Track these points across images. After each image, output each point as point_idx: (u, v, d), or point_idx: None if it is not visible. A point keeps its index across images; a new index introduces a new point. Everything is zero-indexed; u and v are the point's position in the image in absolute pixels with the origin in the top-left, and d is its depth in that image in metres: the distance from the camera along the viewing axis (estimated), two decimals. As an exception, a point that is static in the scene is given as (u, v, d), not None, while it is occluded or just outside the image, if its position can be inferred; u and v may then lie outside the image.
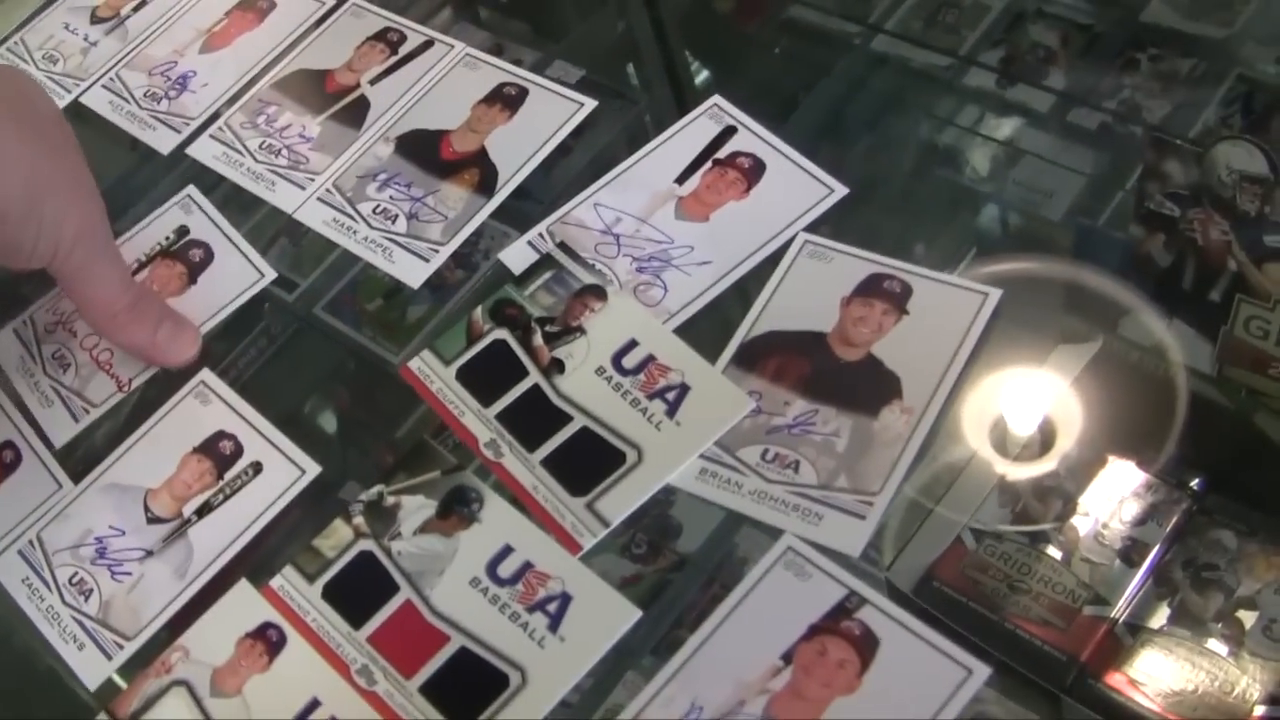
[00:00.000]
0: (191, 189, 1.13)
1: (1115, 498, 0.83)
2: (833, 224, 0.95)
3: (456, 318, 0.98)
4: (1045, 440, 0.87)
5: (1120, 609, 0.79)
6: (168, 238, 1.11)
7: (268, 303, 1.14)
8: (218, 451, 0.96)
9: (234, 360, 1.09)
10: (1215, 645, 0.77)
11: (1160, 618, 0.78)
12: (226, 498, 0.94)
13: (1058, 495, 0.84)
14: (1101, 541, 0.81)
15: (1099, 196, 1.05)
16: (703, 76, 1.31)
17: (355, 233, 1.03)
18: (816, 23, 1.29)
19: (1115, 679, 0.76)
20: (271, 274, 1.06)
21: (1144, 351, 0.89)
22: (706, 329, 0.93)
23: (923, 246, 1.00)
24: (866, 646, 0.77)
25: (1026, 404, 0.88)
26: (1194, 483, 0.83)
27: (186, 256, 1.09)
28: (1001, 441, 0.87)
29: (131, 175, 1.25)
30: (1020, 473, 0.86)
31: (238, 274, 1.07)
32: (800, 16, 1.30)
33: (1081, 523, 0.82)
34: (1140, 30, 1.19)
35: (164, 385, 1.02)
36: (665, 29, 1.28)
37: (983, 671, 0.75)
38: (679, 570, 0.90)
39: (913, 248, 0.97)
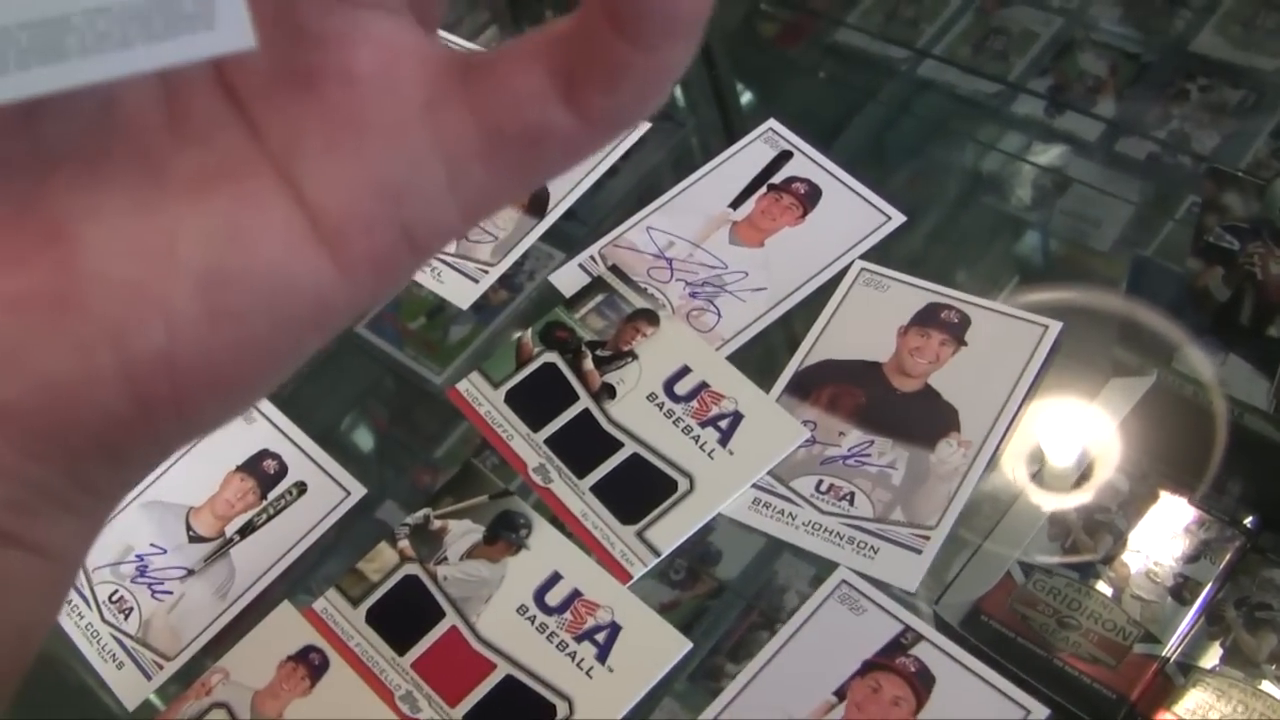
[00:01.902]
0: None
1: (1167, 534, 0.81)
2: (880, 250, 0.94)
3: (500, 339, 0.97)
4: (1097, 475, 0.85)
5: (1172, 648, 0.77)
6: None
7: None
8: (261, 470, 0.95)
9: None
10: (1269, 687, 0.75)
11: (1212, 657, 0.77)
12: (270, 518, 0.93)
13: (1109, 530, 0.83)
14: (1153, 578, 0.80)
15: (1147, 227, 1.04)
16: (746, 99, 1.30)
17: (405, 253, 1.02)
18: (861, 47, 1.28)
19: (1166, 718, 0.75)
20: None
21: (1199, 387, 0.88)
22: (760, 356, 0.92)
23: (967, 274, 0.98)
24: (922, 684, 0.76)
25: (1079, 438, 0.87)
26: (1248, 520, 0.81)
27: None
28: (1052, 475, 0.86)
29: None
30: (1071, 507, 0.84)
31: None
32: (845, 41, 1.29)
33: (1133, 559, 0.81)
34: (1190, 60, 1.18)
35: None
36: (713, 51, 1.27)
37: (1041, 713, 0.74)
38: (718, 597, 0.89)
39: (956, 276, 0.96)
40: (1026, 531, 0.83)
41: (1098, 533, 0.82)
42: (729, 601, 0.89)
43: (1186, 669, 0.76)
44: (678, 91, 1.24)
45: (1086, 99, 1.14)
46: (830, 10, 1.29)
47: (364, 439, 1.13)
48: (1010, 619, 0.79)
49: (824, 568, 0.84)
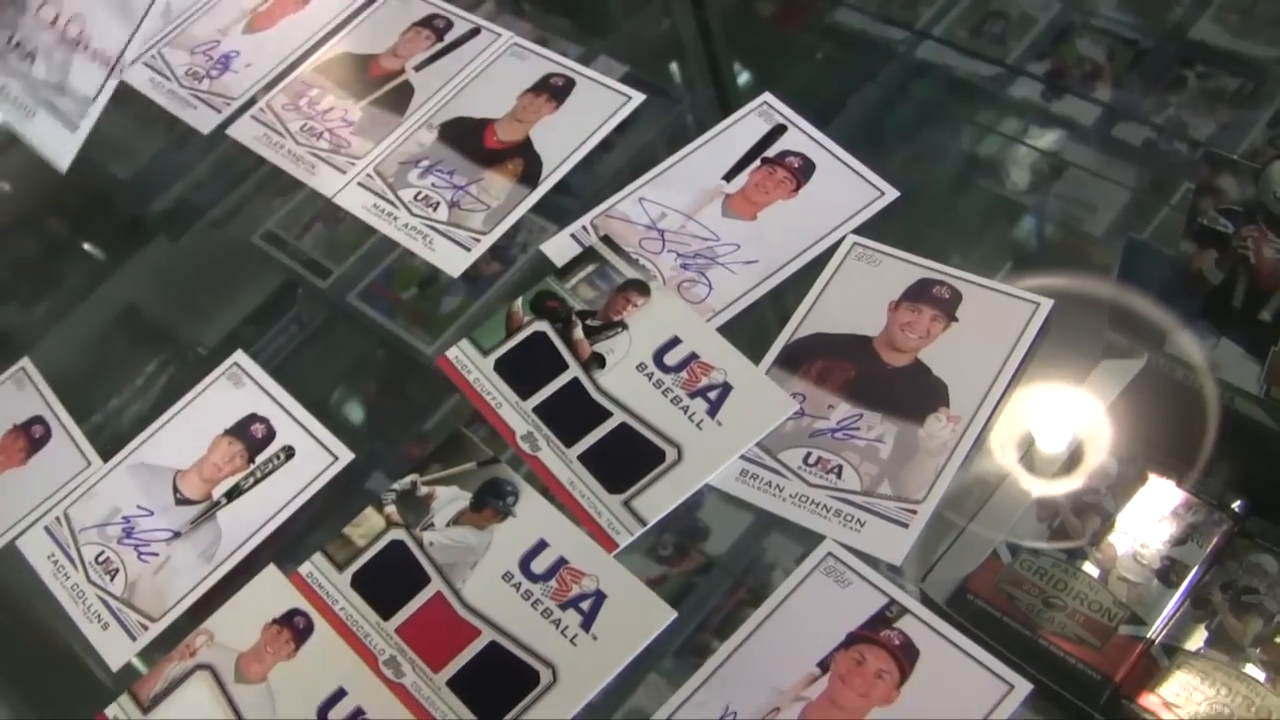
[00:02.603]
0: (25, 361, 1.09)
1: (1155, 517, 0.81)
2: (874, 230, 0.94)
3: (492, 310, 0.97)
4: (1086, 456, 0.85)
5: (1157, 630, 0.77)
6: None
7: (300, 288, 1.13)
8: (250, 435, 0.95)
9: (264, 345, 1.08)
10: (1253, 671, 0.75)
11: (1197, 640, 0.77)
12: (257, 481, 0.93)
13: (1096, 512, 0.83)
14: (1140, 561, 0.80)
15: (1142, 213, 1.04)
16: (743, 79, 1.30)
17: (396, 219, 1.03)
18: (858, 28, 1.28)
19: (1149, 700, 0.75)
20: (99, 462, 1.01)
21: (1190, 370, 0.88)
22: (751, 329, 0.92)
23: (960, 255, 0.98)
24: (906, 657, 0.76)
25: (1067, 418, 0.87)
26: (1236, 504, 0.81)
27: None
28: (1041, 456, 0.86)
29: (168, 154, 1.25)
30: (1059, 488, 0.84)
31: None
32: (843, 21, 1.29)
33: (1120, 541, 0.81)
34: (1188, 48, 1.18)
35: (196, 366, 1.01)
36: (710, 27, 1.27)
37: (1024, 687, 0.74)
38: (705, 573, 0.89)
39: (950, 257, 0.95)
40: (1014, 512, 0.83)
41: (1086, 514, 0.82)
42: (716, 578, 0.89)
43: (1171, 651, 0.76)
44: (673, 67, 1.24)
45: (1084, 84, 1.14)
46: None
47: (354, 410, 1.13)
48: (996, 598, 0.79)
49: (812, 545, 0.84)
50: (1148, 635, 0.77)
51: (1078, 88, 1.15)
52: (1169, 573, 0.79)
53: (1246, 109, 1.12)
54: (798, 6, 1.34)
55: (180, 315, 1.18)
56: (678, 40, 1.29)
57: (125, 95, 1.23)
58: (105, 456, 0.97)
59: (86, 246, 1.26)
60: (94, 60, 1.20)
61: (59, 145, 1.17)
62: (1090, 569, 0.80)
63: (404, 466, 0.92)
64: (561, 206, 1.03)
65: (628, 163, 1.07)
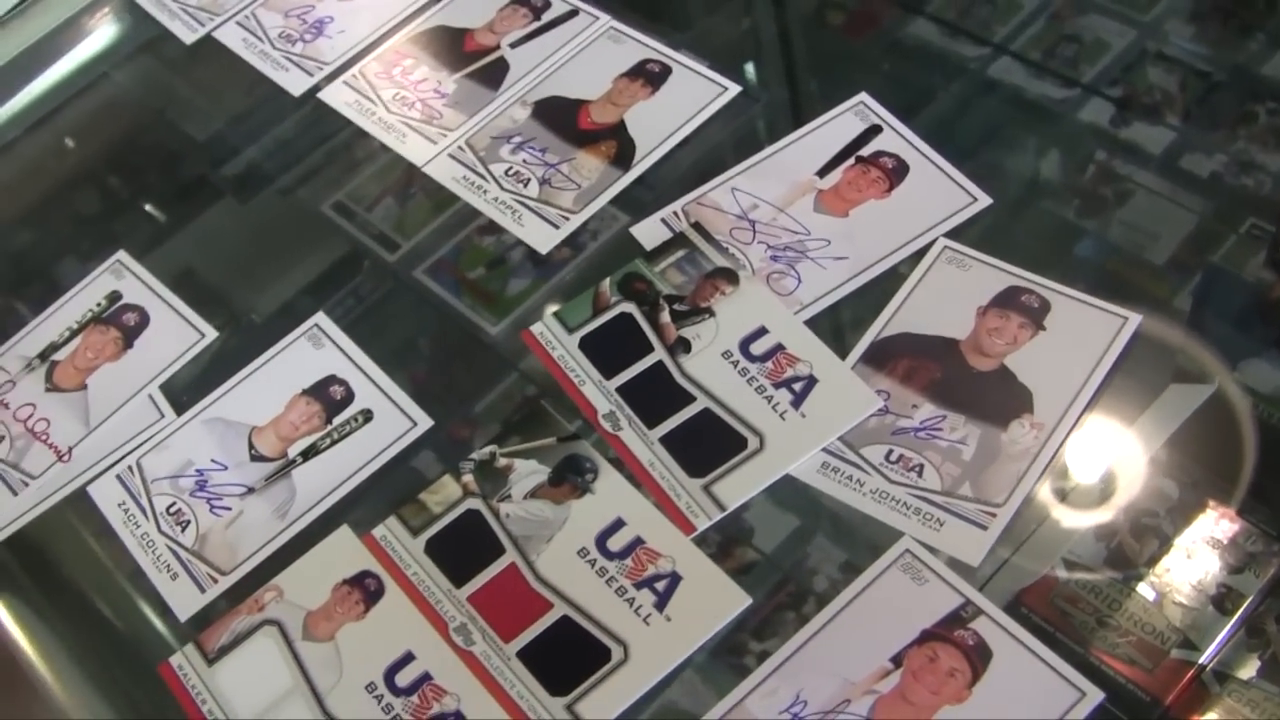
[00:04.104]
0: (122, 254, 1.11)
1: (1213, 544, 0.81)
2: (952, 232, 0.95)
3: (558, 294, 0.99)
4: (1148, 478, 0.85)
5: (1209, 656, 0.77)
6: (99, 304, 1.09)
7: (367, 260, 1.13)
8: (328, 395, 0.96)
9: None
10: (1304, 703, 0.74)
11: (1249, 669, 0.77)
12: (334, 442, 0.93)
13: (1155, 535, 0.83)
14: (1196, 586, 0.80)
15: (1205, 244, 1.04)
16: (816, 84, 1.30)
17: (485, 192, 1.03)
18: (927, 42, 1.28)
19: (1198, 725, 0.74)
20: (212, 333, 1.04)
21: (1259, 399, 0.88)
22: (838, 324, 0.92)
23: (1034, 264, 0.98)
24: (979, 657, 0.76)
25: (1133, 440, 0.87)
26: (1295, 536, 0.80)
27: (120, 321, 1.07)
28: (1105, 474, 0.86)
29: (245, 118, 1.25)
30: (1119, 508, 0.84)
31: (173, 340, 1.05)
32: (911, 34, 1.29)
33: (1177, 565, 0.81)
34: (1259, 84, 1.18)
35: (276, 325, 1.01)
36: (790, 33, 1.28)
37: (1096, 695, 0.74)
38: (748, 573, 0.89)
39: (1024, 264, 0.96)
40: (1074, 528, 0.83)
41: (1144, 536, 0.82)
42: (758, 578, 0.89)
43: (1223, 678, 0.76)
44: (750, 68, 1.24)
45: (1154, 113, 1.14)
46: (901, 2, 1.29)
47: (410, 384, 1.13)
48: (1050, 613, 0.80)
49: (856, 553, 0.85)
50: (1200, 660, 0.77)
51: (1148, 116, 1.15)
52: (1224, 600, 0.79)
53: (1315, 148, 1.13)
54: (868, 18, 1.35)
55: (239, 280, 1.18)
56: (756, 40, 1.29)
57: (213, 53, 1.24)
58: (179, 411, 0.97)
59: (148, 207, 1.26)
60: None
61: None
62: (1146, 591, 0.80)
63: (451, 447, 0.93)
64: (635, 197, 1.03)
65: (703, 158, 1.06)
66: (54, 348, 1.06)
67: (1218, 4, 1.22)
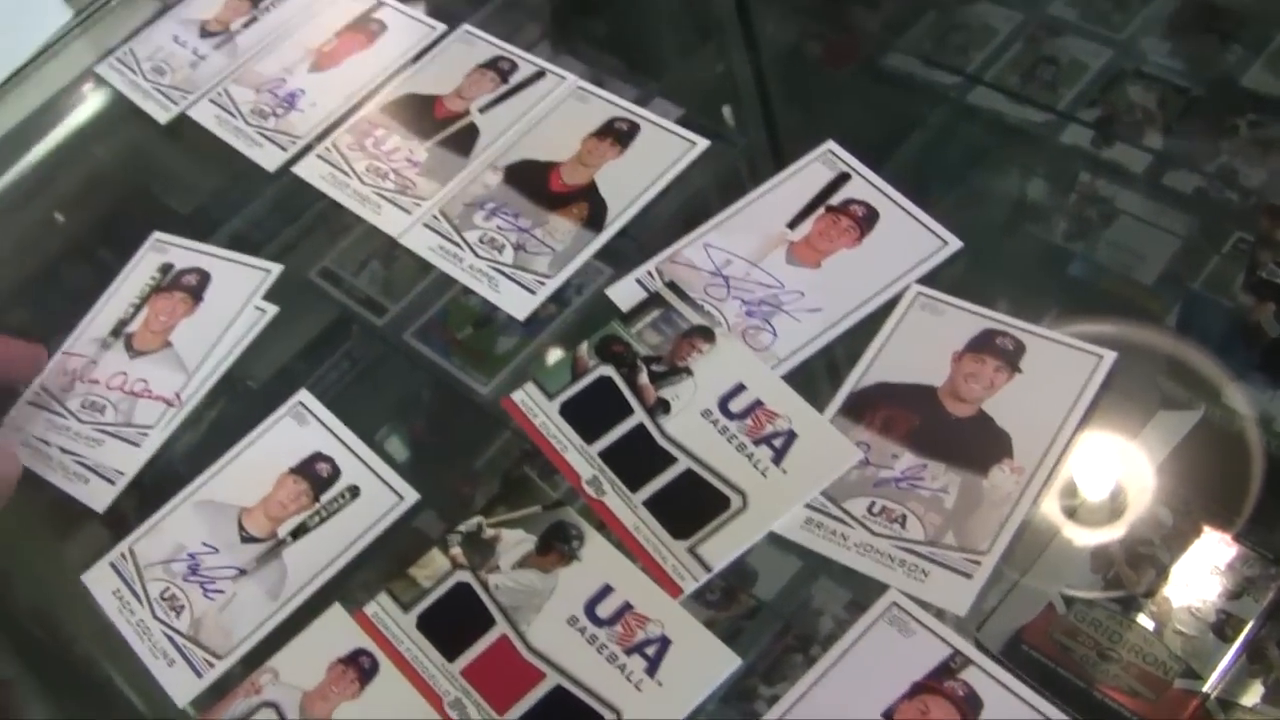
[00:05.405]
0: (157, 232, 1.16)
1: (1210, 569, 0.81)
2: (927, 275, 0.96)
3: (546, 351, 0.99)
4: (1141, 507, 0.85)
5: (1213, 684, 0.77)
6: (154, 277, 1.13)
7: (355, 325, 1.14)
8: (315, 473, 0.96)
9: (316, 381, 1.08)
10: (1310, 727, 0.75)
11: (1254, 695, 0.77)
12: (323, 520, 0.94)
13: (1151, 564, 0.83)
14: (1195, 614, 0.80)
15: (1193, 261, 1.04)
16: (794, 122, 1.30)
17: (461, 260, 1.04)
18: (909, 72, 1.28)
19: (1204, 755, 0.75)
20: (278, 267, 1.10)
21: (1247, 422, 0.88)
22: (815, 376, 0.93)
23: (1009, 302, 0.99)
24: (970, 708, 0.77)
25: (1123, 470, 0.87)
26: (1292, 559, 0.81)
27: (181, 284, 1.11)
28: (1096, 506, 0.86)
29: (226, 190, 1.26)
30: (1114, 539, 0.84)
31: (242, 282, 1.10)
32: (891, 65, 1.30)
33: (1175, 593, 0.81)
34: (1240, 96, 1.18)
35: (259, 403, 1.02)
36: (763, 72, 1.28)
37: (1086, 741, 0.74)
38: (753, 618, 0.89)
39: (999, 303, 0.96)
40: (1069, 562, 0.84)
41: (1140, 566, 0.82)
42: (763, 623, 0.89)
43: (1227, 706, 0.76)
44: (726, 112, 1.25)
45: (1134, 131, 1.14)
46: (879, 33, 1.30)
47: (405, 447, 1.14)
48: (1051, 649, 0.80)
49: (860, 592, 0.84)
50: (1203, 689, 0.77)
51: (1128, 135, 1.16)
52: (1224, 626, 0.79)
53: (1300, 158, 1.13)
54: (847, 49, 1.35)
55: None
56: (731, 83, 1.29)
57: (187, 130, 1.25)
58: (164, 489, 0.98)
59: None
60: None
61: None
62: (1145, 621, 0.80)
63: (454, 506, 0.94)
64: (618, 250, 1.04)
65: (683, 206, 1.07)
66: (123, 323, 1.09)
67: (1193, 17, 1.22)
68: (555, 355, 0.98)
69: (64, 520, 1.04)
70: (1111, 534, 0.84)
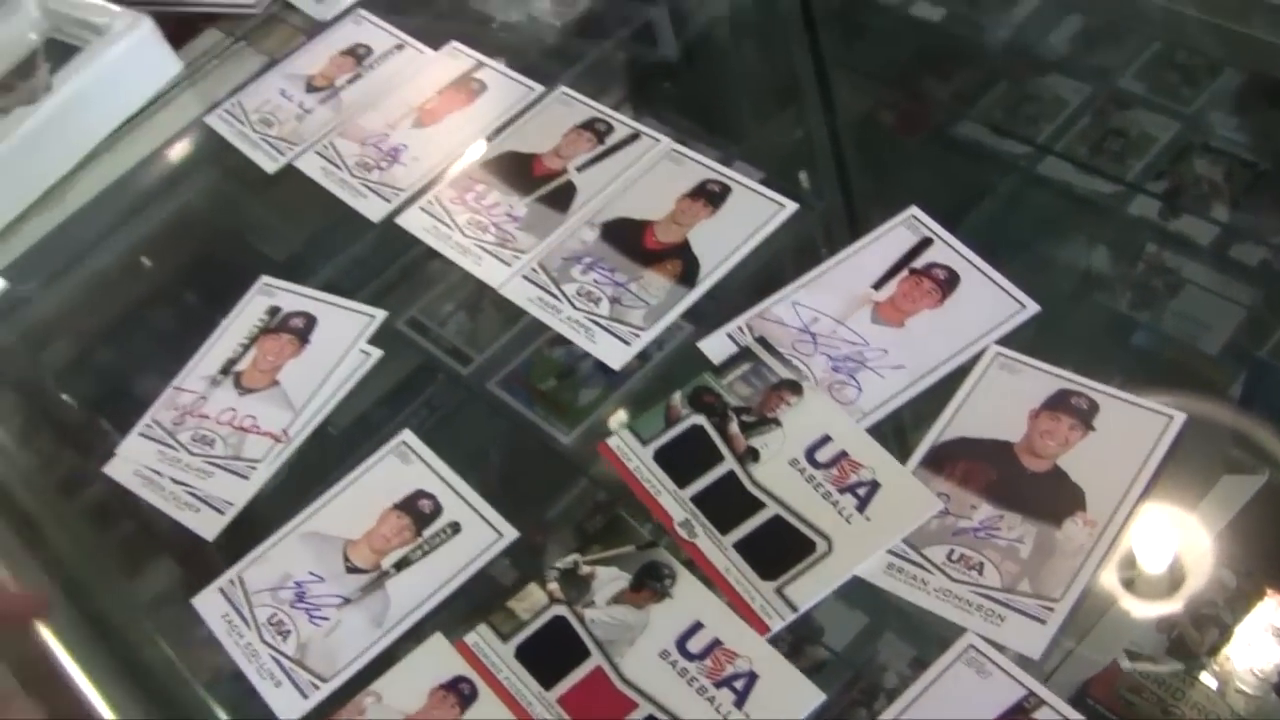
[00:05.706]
0: (265, 276, 1.21)
1: (1272, 631, 0.84)
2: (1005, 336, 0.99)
3: (625, 403, 1.04)
4: (1206, 569, 0.88)
5: (1274, 744, 0.79)
6: (262, 319, 1.18)
7: (441, 374, 1.17)
8: (417, 509, 1.01)
9: (396, 427, 1.12)
10: (1365, 789, 0.77)
11: (1314, 754, 0.78)
12: (425, 554, 0.98)
13: (1215, 625, 0.85)
14: (1257, 674, 0.82)
15: (1257, 332, 1.07)
16: (868, 186, 1.33)
17: (559, 312, 1.08)
18: (978, 141, 1.31)
19: (1263, 814, 0.77)
20: (381, 313, 1.15)
21: (1312, 488, 0.91)
22: (897, 430, 0.96)
23: (1076, 369, 1.01)
24: (1043, 748, 0.79)
25: (1189, 531, 0.90)
26: (1353, 622, 0.83)
27: (289, 326, 1.16)
28: (1162, 566, 0.89)
29: (319, 239, 1.30)
30: (1178, 599, 0.87)
31: (347, 326, 1.15)
32: (963, 134, 1.33)
33: (1237, 654, 0.83)
34: (1305, 170, 1.20)
35: (364, 440, 1.06)
36: (840, 137, 1.32)
37: (1157, 783, 0.77)
38: (820, 671, 0.92)
39: (1065, 365, 0.99)
40: (1135, 620, 0.86)
41: (1204, 626, 0.85)
42: (830, 675, 0.92)
43: (1288, 765, 0.78)
44: (803, 177, 1.28)
45: (1201, 203, 1.16)
46: (950, 103, 1.32)
47: (493, 489, 1.17)
48: (1116, 704, 0.82)
49: (924, 649, 0.88)
50: (1264, 749, 0.79)
51: (1195, 207, 1.18)
52: (1286, 687, 0.81)
53: (1362, 233, 1.15)
54: (919, 118, 1.38)
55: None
56: (809, 148, 1.33)
57: (290, 179, 1.30)
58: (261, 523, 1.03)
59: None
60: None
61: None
62: (1208, 680, 0.83)
63: (523, 554, 0.98)
64: (697, 308, 1.08)
65: (764, 268, 1.11)
66: (232, 362, 1.14)
67: (1260, 93, 1.24)
68: (647, 406, 1.02)
69: (172, 547, 1.08)
70: (1176, 594, 0.87)
